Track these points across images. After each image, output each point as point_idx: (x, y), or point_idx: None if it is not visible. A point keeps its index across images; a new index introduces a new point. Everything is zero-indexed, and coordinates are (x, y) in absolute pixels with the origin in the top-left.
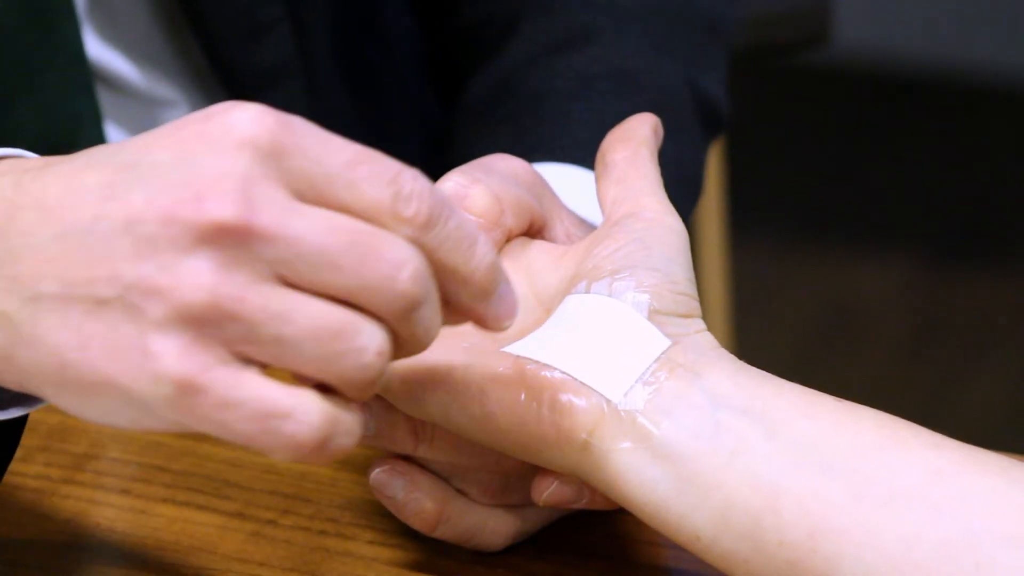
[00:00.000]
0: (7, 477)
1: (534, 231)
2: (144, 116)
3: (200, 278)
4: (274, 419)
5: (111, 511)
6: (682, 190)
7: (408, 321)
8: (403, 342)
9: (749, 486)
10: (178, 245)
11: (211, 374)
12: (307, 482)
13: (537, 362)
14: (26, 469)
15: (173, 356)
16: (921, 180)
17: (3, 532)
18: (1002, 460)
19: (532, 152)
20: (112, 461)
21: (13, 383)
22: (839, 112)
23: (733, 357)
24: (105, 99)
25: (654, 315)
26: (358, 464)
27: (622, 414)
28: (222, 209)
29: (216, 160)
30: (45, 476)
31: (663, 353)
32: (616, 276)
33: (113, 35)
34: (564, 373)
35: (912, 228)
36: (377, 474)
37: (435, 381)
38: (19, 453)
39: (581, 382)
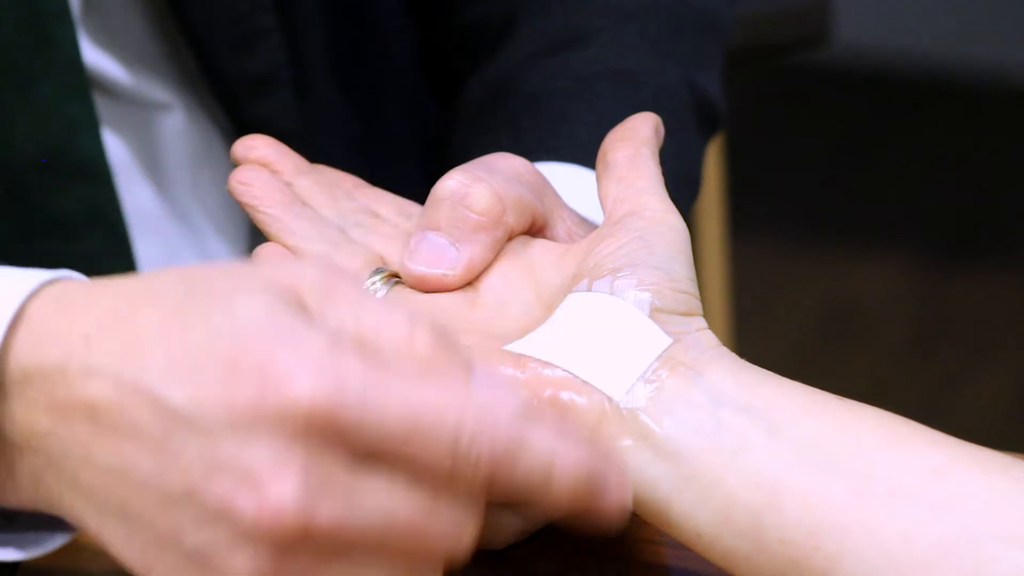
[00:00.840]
0: None
1: (536, 230)
2: (140, 121)
3: (254, 572)
4: None
5: None
6: (681, 187)
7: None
8: None
9: (750, 484)
10: (235, 534)
11: None
12: None
13: (539, 360)
14: None
15: None
16: (921, 179)
17: None
18: (1003, 458)
19: (532, 152)
20: None
21: None
22: (839, 111)
23: (734, 355)
24: (101, 104)
25: (655, 313)
26: None
27: (624, 412)
28: (281, 515)
29: (274, 444)
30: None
31: (664, 351)
32: (617, 274)
33: (107, 40)
34: (566, 371)
35: (912, 227)
36: None
37: None
38: None
39: (583, 380)
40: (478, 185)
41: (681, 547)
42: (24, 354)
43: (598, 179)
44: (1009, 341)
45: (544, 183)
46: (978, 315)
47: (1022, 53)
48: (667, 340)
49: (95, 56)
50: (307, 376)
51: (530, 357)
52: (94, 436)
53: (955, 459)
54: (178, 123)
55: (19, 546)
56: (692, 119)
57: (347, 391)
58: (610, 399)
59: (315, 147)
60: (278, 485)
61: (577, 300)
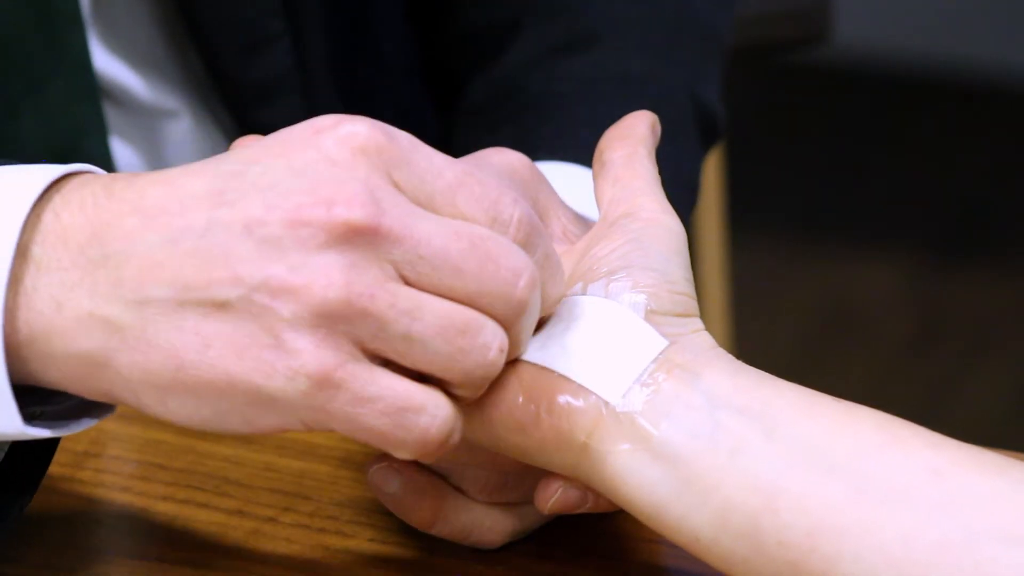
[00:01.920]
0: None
1: None
2: (147, 128)
3: (333, 276)
4: (409, 413)
5: (111, 509)
6: (680, 195)
7: (517, 327)
8: (510, 347)
9: (748, 486)
10: (306, 246)
11: (346, 369)
12: (307, 480)
13: (535, 364)
14: None
15: (309, 353)
16: (920, 179)
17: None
18: (1001, 459)
19: (535, 151)
20: (112, 459)
21: (97, 392)
22: (839, 110)
23: (731, 357)
24: (109, 112)
25: (651, 315)
26: (358, 462)
27: (621, 416)
28: (352, 211)
29: (334, 169)
30: (46, 474)
31: (661, 354)
32: (613, 277)
33: (116, 44)
34: (562, 375)
35: (912, 227)
36: (375, 471)
37: None
38: None
39: (579, 384)
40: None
41: (678, 547)
42: (69, 182)
43: (594, 178)
44: (1008, 341)
45: (540, 179)
46: (977, 315)
47: (1021, 53)
48: (663, 342)
49: (104, 61)
50: (362, 121)
51: (526, 361)
52: (142, 224)
53: (954, 460)
54: (185, 130)
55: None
56: (693, 127)
57: (400, 137)
58: (607, 403)
59: None
60: (345, 192)
61: (572, 303)
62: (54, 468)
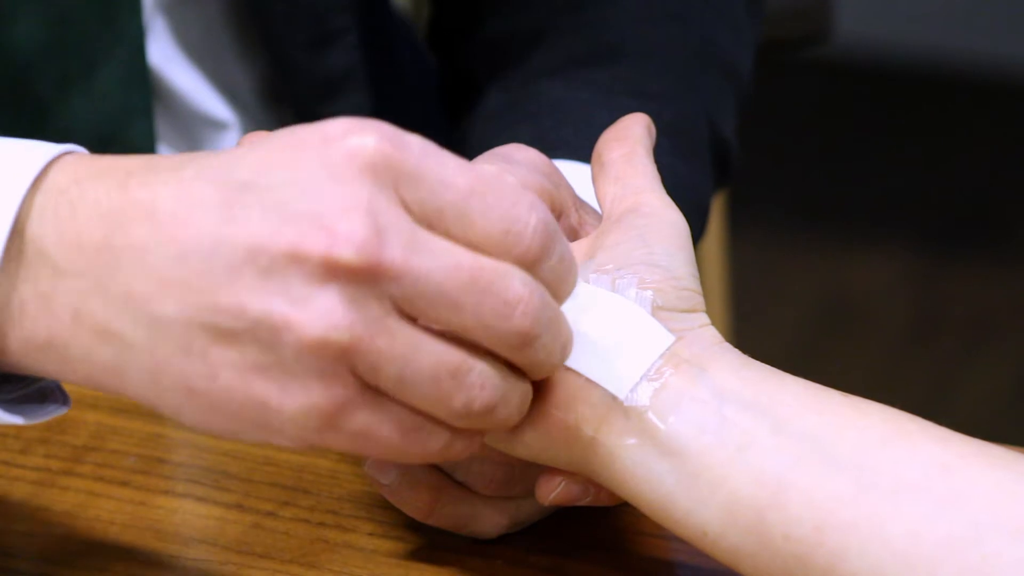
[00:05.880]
0: (6, 469)
1: None
2: (196, 140)
3: (335, 314)
4: (416, 432)
5: (111, 503)
6: (690, 215)
7: (524, 353)
8: (526, 369)
9: (755, 480)
10: (308, 280)
11: (352, 404)
12: (307, 474)
13: None
14: (25, 461)
15: (317, 391)
16: (919, 173)
17: (2, 524)
18: (1008, 454)
19: (553, 151)
20: (111, 453)
21: (119, 394)
22: (838, 106)
23: (737, 351)
24: (159, 122)
25: (657, 311)
26: (357, 457)
27: (628, 411)
28: (351, 249)
29: (340, 189)
30: (45, 468)
31: (668, 349)
32: (618, 274)
33: (179, 40)
34: (569, 370)
35: (911, 221)
36: (372, 462)
37: None
38: (18, 445)
39: (586, 379)
40: (506, 177)
41: (680, 540)
42: (74, 167)
43: (594, 179)
44: (1007, 333)
45: (559, 174)
46: (976, 307)
47: (1020, 48)
48: (670, 338)
49: (161, 58)
50: (372, 131)
51: None
52: (152, 233)
53: (960, 455)
54: (232, 144)
55: (18, 414)
56: (707, 152)
57: (411, 146)
58: (615, 398)
59: None
60: (347, 223)
61: (580, 298)
62: (53, 462)
